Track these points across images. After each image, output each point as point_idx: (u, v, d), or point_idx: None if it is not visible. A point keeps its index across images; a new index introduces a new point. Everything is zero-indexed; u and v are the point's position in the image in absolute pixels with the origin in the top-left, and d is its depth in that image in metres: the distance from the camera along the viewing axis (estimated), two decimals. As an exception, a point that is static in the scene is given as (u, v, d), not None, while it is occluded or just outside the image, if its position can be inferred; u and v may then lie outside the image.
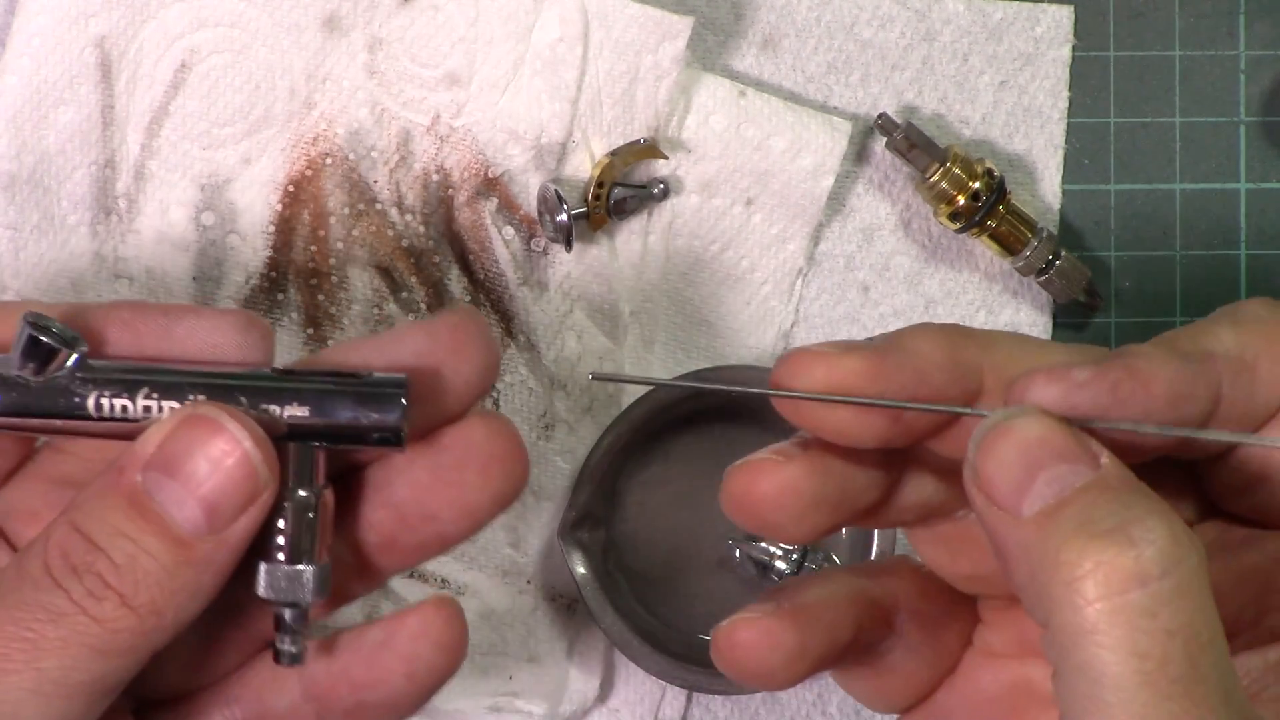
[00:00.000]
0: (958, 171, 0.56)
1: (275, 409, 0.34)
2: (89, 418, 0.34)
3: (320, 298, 0.56)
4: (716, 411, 0.57)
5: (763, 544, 0.56)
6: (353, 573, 0.37)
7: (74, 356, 0.34)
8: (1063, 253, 0.58)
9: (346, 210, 0.56)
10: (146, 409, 0.34)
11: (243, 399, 0.34)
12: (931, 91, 0.59)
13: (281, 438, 0.34)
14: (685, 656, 0.55)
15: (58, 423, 0.34)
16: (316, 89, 0.56)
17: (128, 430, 0.34)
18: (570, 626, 0.58)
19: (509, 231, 0.57)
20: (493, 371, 0.36)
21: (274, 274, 0.56)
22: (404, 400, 0.34)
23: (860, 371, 0.33)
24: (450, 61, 0.56)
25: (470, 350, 0.36)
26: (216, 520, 0.33)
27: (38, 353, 0.34)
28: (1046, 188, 0.60)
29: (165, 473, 0.33)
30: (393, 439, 0.34)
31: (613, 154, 0.56)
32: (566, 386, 0.57)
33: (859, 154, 0.59)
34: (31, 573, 0.33)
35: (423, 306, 0.57)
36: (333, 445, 0.35)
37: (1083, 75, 0.60)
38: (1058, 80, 0.60)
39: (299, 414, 0.34)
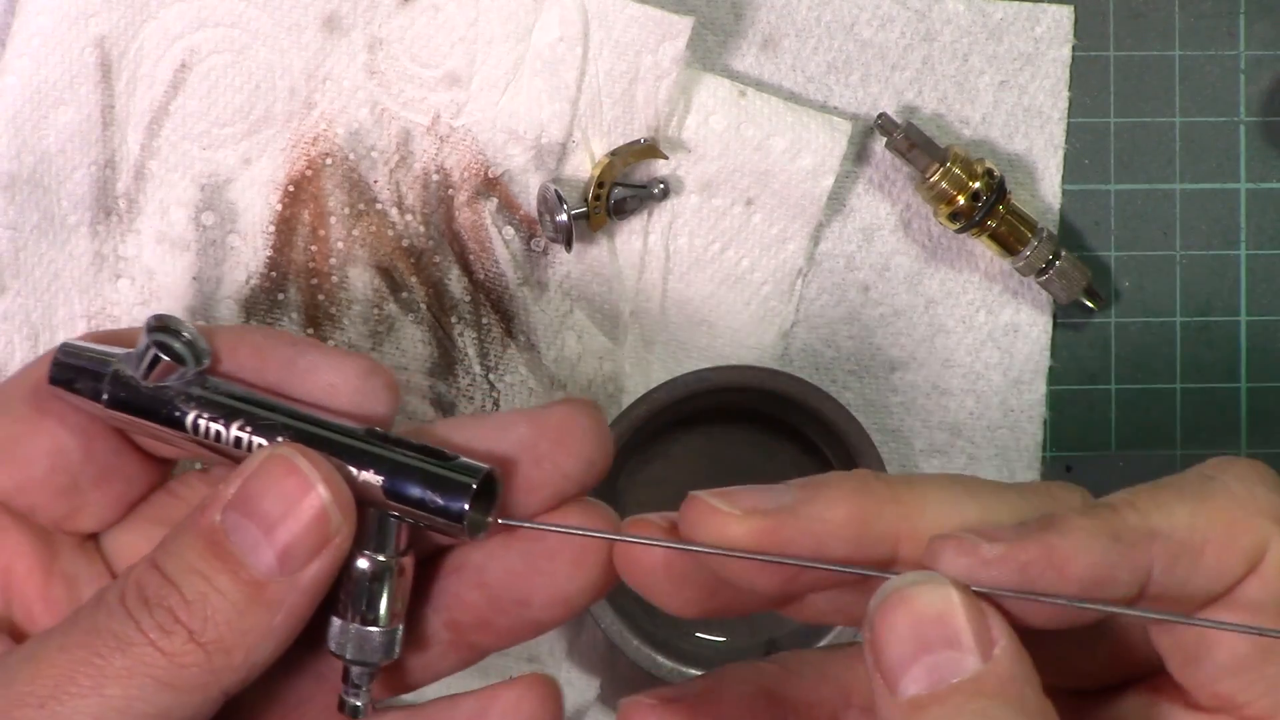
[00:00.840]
0: (958, 171, 0.56)
1: (353, 469, 0.34)
2: (185, 433, 0.35)
3: (320, 298, 0.56)
4: (716, 412, 0.57)
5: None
6: (448, 648, 0.37)
7: (192, 370, 0.35)
8: (1063, 253, 0.58)
9: (346, 210, 0.56)
10: (237, 440, 0.34)
11: (326, 450, 0.34)
12: (931, 91, 0.59)
13: (360, 499, 0.34)
14: (685, 656, 0.55)
15: (157, 428, 0.35)
16: (316, 89, 0.56)
17: (219, 453, 0.35)
18: (570, 626, 0.58)
19: (509, 231, 0.57)
20: (600, 467, 0.36)
21: (274, 274, 0.56)
22: (474, 490, 0.33)
23: (757, 534, 0.32)
24: (450, 61, 0.56)
25: (576, 445, 0.35)
26: (289, 563, 0.33)
27: (156, 360, 0.34)
28: (1046, 188, 0.60)
29: (243, 513, 0.33)
30: (457, 527, 0.34)
31: (613, 154, 0.56)
32: (567, 386, 0.57)
33: (859, 154, 0.59)
34: (108, 602, 0.33)
35: (422, 306, 0.57)
36: (401, 519, 0.34)
37: (1083, 75, 0.60)
38: (1058, 80, 0.60)
39: (373, 480, 0.34)
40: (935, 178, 0.56)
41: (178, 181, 0.56)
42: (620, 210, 0.56)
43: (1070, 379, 0.60)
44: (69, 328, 0.55)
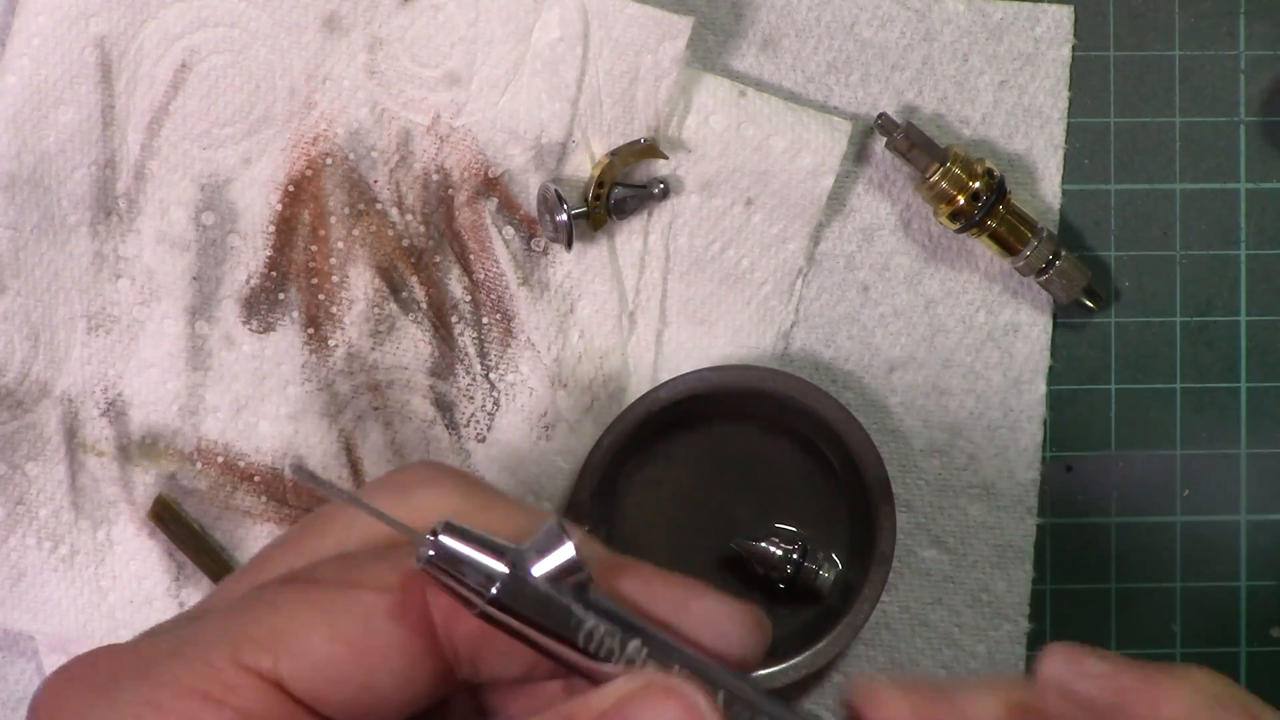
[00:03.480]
0: (958, 171, 0.56)
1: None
2: (573, 643, 0.33)
3: (320, 297, 0.56)
4: (716, 412, 0.57)
5: (763, 544, 0.56)
6: None
7: (587, 578, 0.33)
8: (1063, 253, 0.58)
9: (346, 210, 0.56)
10: (630, 661, 0.33)
11: (720, 695, 0.32)
12: (931, 91, 0.59)
13: None
14: (685, 656, 0.55)
15: (536, 634, 0.33)
16: (316, 89, 0.56)
17: (593, 671, 0.33)
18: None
19: (509, 231, 0.57)
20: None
21: (274, 274, 0.56)
22: None
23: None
24: (450, 61, 0.56)
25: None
26: None
27: (560, 556, 0.33)
28: (1046, 188, 0.60)
29: None
30: None
31: (613, 154, 0.56)
32: (567, 386, 0.57)
33: (859, 154, 0.59)
34: None
35: (422, 306, 0.57)
36: None
37: (1083, 75, 0.60)
38: (1058, 80, 0.60)
39: None
40: (935, 178, 0.56)
41: (178, 181, 0.56)
42: (620, 210, 0.56)
43: (1070, 379, 0.60)
44: (69, 328, 0.55)
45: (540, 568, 0.33)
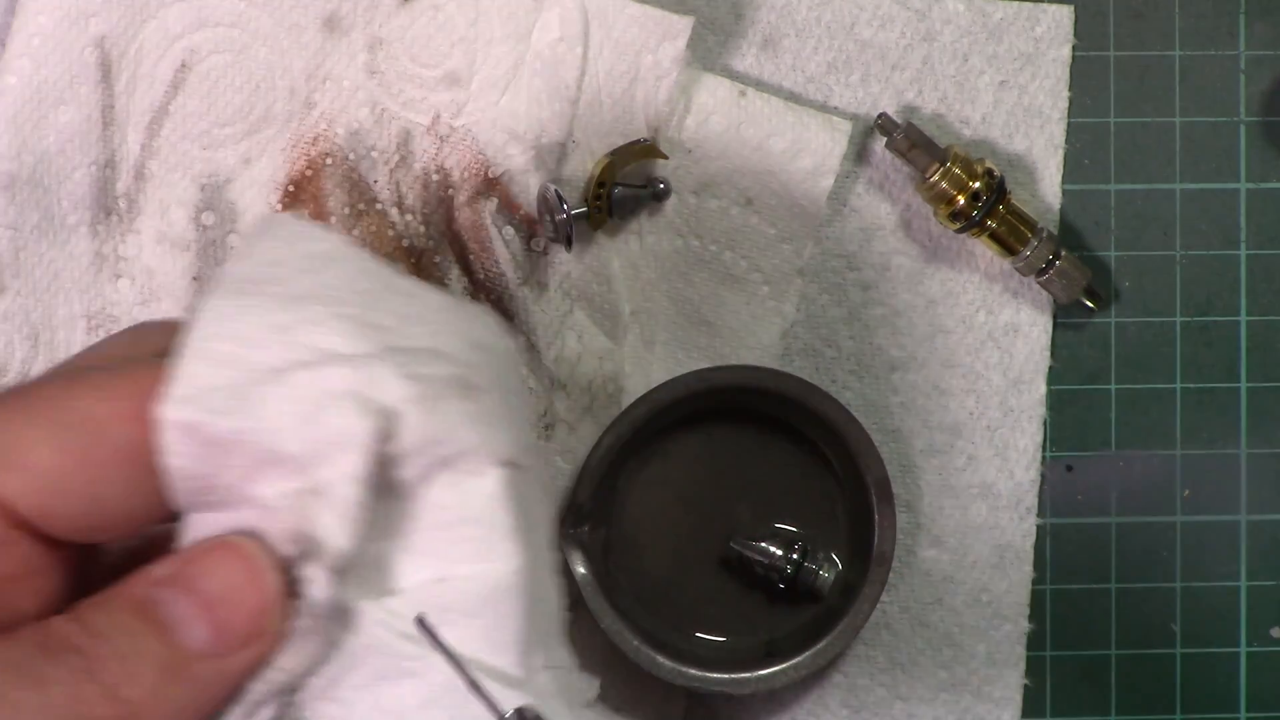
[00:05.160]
0: (958, 171, 0.56)
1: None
2: None
3: (320, 298, 0.56)
4: (716, 412, 0.57)
5: (763, 544, 0.56)
6: None
7: None
8: (1063, 253, 0.58)
9: (346, 210, 0.56)
10: None
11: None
12: (931, 91, 0.59)
13: None
14: (685, 656, 0.55)
15: None
16: (316, 89, 0.56)
17: None
18: (570, 626, 0.58)
19: (509, 231, 0.57)
20: None
21: (274, 274, 0.56)
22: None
23: None
24: (450, 61, 0.56)
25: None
26: (221, 642, 0.33)
27: None
28: (1046, 188, 0.60)
29: (181, 589, 0.33)
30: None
31: (613, 154, 0.56)
32: (567, 386, 0.57)
33: (859, 154, 0.59)
34: (23, 643, 0.32)
35: (423, 306, 0.57)
36: None
37: (1083, 75, 0.60)
38: (1058, 80, 0.60)
39: None
40: (935, 178, 0.56)
41: (178, 181, 0.56)
42: (620, 210, 0.56)
43: (1070, 379, 0.60)
44: (69, 328, 0.55)
45: None
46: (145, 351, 0.35)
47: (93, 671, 0.32)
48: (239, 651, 0.33)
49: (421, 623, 0.33)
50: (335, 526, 0.33)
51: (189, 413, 0.33)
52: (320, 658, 0.34)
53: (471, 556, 0.34)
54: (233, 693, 0.33)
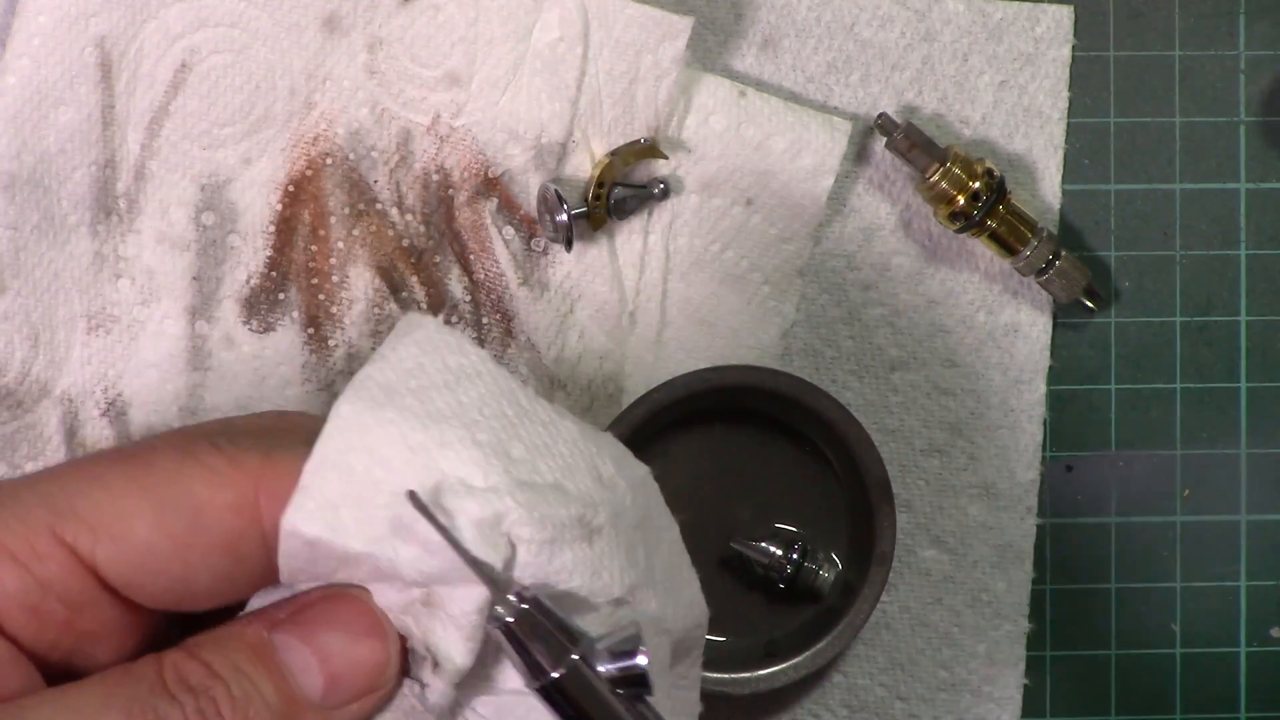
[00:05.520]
0: (958, 171, 0.56)
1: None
2: None
3: (321, 297, 0.56)
4: (716, 412, 0.57)
5: (763, 544, 0.56)
6: None
7: (647, 691, 0.34)
8: (1063, 253, 0.58)
9: (346, 210, 0.56)
10: None
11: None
12: (931, 91, 0.59)
13: None
14: (685, 656, 0.55)
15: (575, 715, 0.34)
16: (316, 89, 0.56)
17: None
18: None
19: (509, 231, 0.57)
20: None
21: (274, 274, 0.56)
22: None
23: None
24: (450, 61, 0.56)
25: None
26: (334, 694, 0.33)
27: (630, 666, 0.34)
28: (1046, 188, 0.60)
29: (299, 637, 0.33)
30: None
31: (613, 154, 0.56)
32: (567, 386, 0.57)
33: (859, 154, 0.59)
34: (144, 678, 0.32)
35: (423, 306, 0.57)
36: None
37: (1083, 75, 0.60)
38: (1058, 80, 0.60)
39: None
40: (935, 178, 0.56)
41: (178, 181, 0.56)
42: (620, 210, 0.56)
43: (1070, 379, 0.60)
44: (69, 328, 0.55)
45: (608, 666, 0.33)
46: (274, 439, 0.35)
47: (210, 714, 0.32)
48: (349, 705, 0.33)
49: (414, 496, 0.33)
50: (458, 645, 0.34)
51: (313, 529, 0.33)
52: None
53: None
54: None
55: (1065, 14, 0.60)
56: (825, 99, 0.59)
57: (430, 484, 0.33)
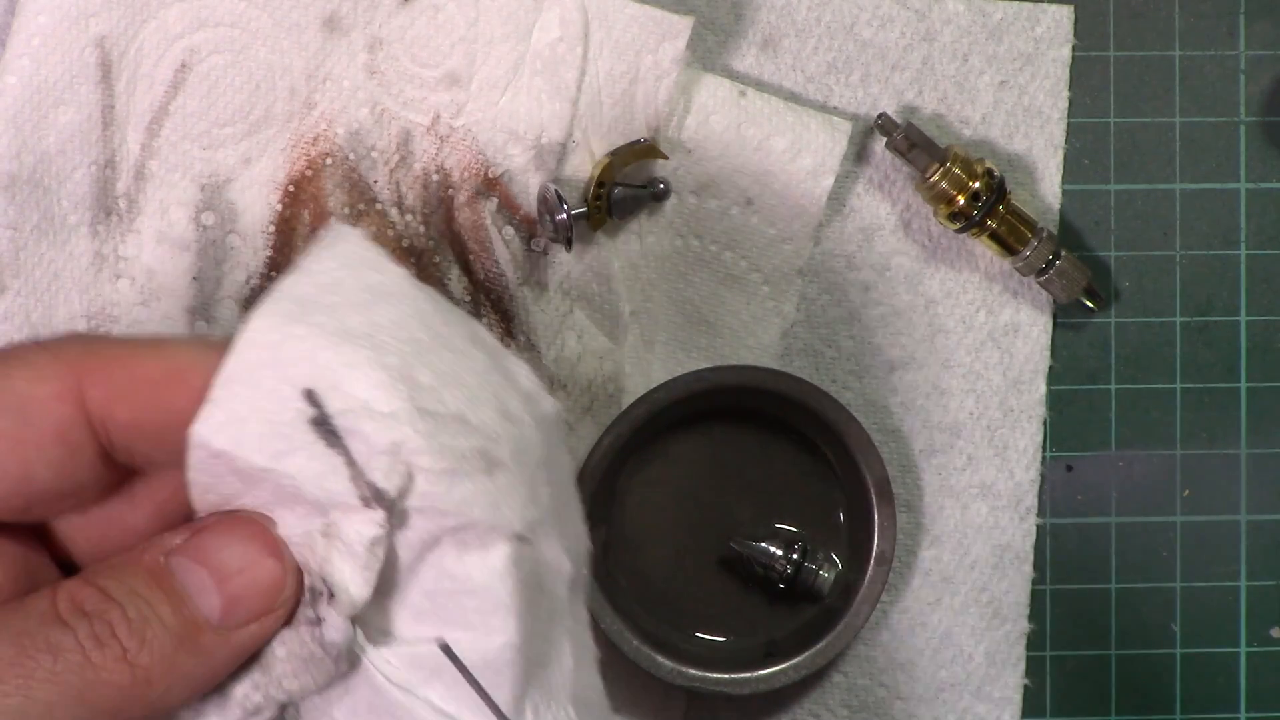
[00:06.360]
0: (958, 171, 0.56)
1: None
2: None
3: (320, 298, 0.56)
4: (716, 412, 0.57)
5: (763, 544, 0.56)
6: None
7: None
8: (1063, 253, 0.58)
9: (346, 210, 0.56)
10: None
11: None
12: (931, 91, 0.59)
13: None
14: (685, 656, 0.55)
15: None
16: (316, 89, 0.56)
17: None
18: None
19: (509, 231, 0.57)
20: None
21: (274, 274, 0.56)
22: None
23: None
24: (450, 61, 0.56)
25: None
26: (232, 614, 0.33)
27: None
28: (1046, 188, 0.60)
29: (195, 559, 0.33)
30: None
31: (613, 154, 0.56)
32: (567, 386, 0.57)
33: (859, 154, 0.59)
34: (37, 610, 0.32)
35: (423, 306, 0.57)
36: None
37: (1083, 75, 0.60)
38: (1058, 80, 0.60)
39: None
40: (935, 178, 0.56)
41: (178, 181, 0.56)
42: (620, 210, 0.56)
43: (1070, 379, 0.60)
44: (69, 327, 0.55)
45: None
46: (104, 337, 0.35)
47: (105, 637, 0.32)
48: (247, 626, 0.33)
49: (448, 650, 0.33)
50: (354, 576, 0.34)
51: (220, 441, 0.33)
52: (322, 686, 0.34)
53: (468, 625, 0.35)
54: (231, 667, 0.34)
55: (1065, 14, 0.60)
56: (825, 99, 0.59)
57: (336, 407, 0.33)
